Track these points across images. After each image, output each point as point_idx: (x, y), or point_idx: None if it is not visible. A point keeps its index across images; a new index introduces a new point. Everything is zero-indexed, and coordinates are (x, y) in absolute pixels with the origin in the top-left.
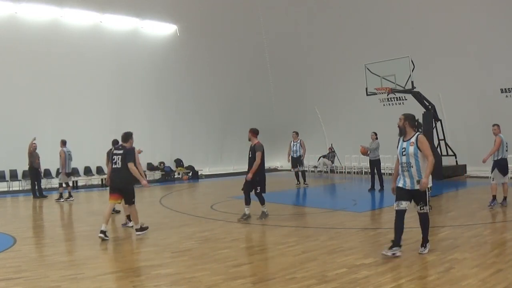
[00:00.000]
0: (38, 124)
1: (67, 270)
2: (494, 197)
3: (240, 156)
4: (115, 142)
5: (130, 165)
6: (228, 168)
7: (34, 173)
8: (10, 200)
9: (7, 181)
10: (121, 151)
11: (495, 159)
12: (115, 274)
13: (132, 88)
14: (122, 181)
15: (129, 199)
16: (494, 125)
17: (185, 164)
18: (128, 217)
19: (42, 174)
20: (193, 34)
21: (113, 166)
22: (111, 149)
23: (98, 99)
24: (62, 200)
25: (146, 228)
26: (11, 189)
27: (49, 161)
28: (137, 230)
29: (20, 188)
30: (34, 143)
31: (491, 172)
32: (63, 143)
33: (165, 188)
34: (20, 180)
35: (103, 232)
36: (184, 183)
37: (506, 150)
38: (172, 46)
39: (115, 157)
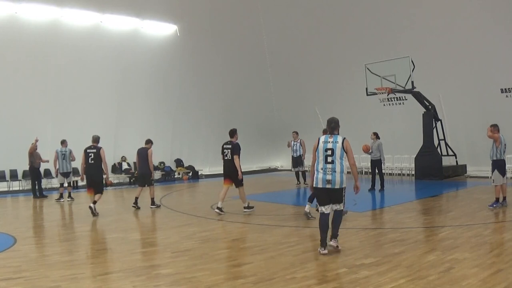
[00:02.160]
0: (38, 124)
1: (67, 270)
2: (498, 200)
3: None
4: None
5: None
6: None
7: (35, 173)
8: (10, 200)
9: (7, 181)
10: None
11: (494, 159)
12: (115, 274)
13: (132, 88)
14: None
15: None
16: (491, 125)
17: (185, 164)
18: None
19: (42, 174)
20: (193, 34)
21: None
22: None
23: (98, 99)
24: (62, 200)
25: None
26: (11, 189)
27: (49, 161)
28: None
29: (20, 188)
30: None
31: (491, 173)
32: (61, 143)
33: (165, 188)
34: (20, 180)
35: (219, 208)
36: (184, 183)
37: (504, 151)
38: (172, 46)
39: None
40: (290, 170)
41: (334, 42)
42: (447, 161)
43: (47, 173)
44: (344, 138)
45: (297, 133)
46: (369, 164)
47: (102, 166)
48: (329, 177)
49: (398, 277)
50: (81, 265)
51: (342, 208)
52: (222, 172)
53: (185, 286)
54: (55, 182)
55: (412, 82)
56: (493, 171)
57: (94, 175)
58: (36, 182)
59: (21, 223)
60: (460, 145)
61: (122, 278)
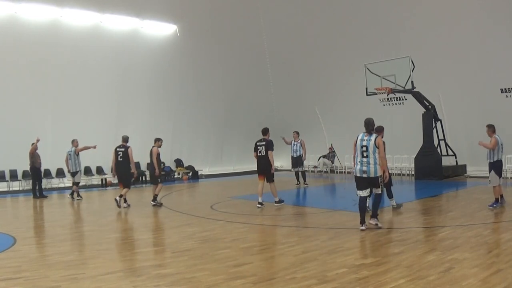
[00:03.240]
0: (38, 124)
1: (67, 270)
2: (497, 200)
3: (240, 156)
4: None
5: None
6: (228, 168)
7: (36, 173)
8: (10, 200)
9: (7, 181)
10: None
11: (492, 161)
12: (115, 274)
13: (132, 88)
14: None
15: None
16: (488, 125)
17: (185, 164)
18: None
19: (43, 174)
20: (193, 34)
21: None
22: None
23: (98, 99)
24: (79, 198)
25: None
26: (11, 189)
27: (49, 161)
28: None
29: (20, 188)
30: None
31: (489, 175)
32: (71, 142)
33: (165, 188)
34: (20, 180)
35: (260, 203)
36: (184, 183)
37: (502, 151)
38: (172, 46)
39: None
40: (290, 170)
41: (334, 42)
42: (447, 161)
43: (47, 173)
44: (377, 136)
45: (297, 133)
46: None
47: (130, 163)
48: (364, 168)
49: (398, 277)
50: (81, 265)
51: (380, 192)
52: (222, 172)
53: (185, 286)
54: (55, 182)
55: (412, 82)
56: (490, 172)
57: (123, 172)
58: (36, 182)
59: (21, 223)
60: (460, 145)
61: (122, 278)
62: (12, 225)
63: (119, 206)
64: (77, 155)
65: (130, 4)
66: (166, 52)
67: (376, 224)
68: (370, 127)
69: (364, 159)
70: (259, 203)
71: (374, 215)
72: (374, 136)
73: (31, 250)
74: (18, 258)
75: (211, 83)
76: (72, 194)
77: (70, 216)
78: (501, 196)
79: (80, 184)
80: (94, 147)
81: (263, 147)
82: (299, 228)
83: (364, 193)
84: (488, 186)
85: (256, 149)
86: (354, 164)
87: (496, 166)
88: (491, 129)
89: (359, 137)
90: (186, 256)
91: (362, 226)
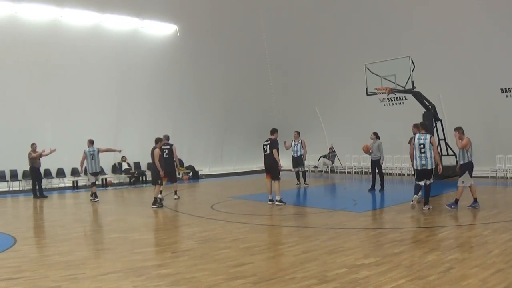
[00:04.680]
0: (38, 124)
1: (67, 270)
2: (457, 201)
3: (240, 156)
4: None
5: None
6: (228, 168)
7: (35, 173)
8: (10, 200)
9: (7, 181)
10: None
11: (465, 162)
12: (115, 274)
13: (132, 88)
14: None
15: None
16: (456, 129)
17: (185, 164)
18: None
19: (42, 174)
20: (193, 34)
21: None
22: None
23: (98, 99)
24: (97, 199)
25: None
26: (11, 189)
27: (49, 161)
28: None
29: (20, 188)
30: (36, 146)
31: (461, 176)
32: (90, 142)
33: (165, 188)
34: (20, 180)
35: (270, 200)
36: (184, 183)
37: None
38: (172, 46)
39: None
40: (290, 170)
41: (335, 42)
42: (447, 161)
43: (47, 173)
44: (431, 136)
45: (298, 133)
46: (369, 164)
47: (174, 159)
48: (423, 162)
49: (398, 277)
50: (81, 265)
51: (431, 182)
52: (222, 172)
53: (185, 286)
54: (55, 182)
55: (412, 82)
56: (463, 173)
57: (169, 167)
58: (36, 183)
59: (21, 223)
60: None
61: (122, 278)
62: (12, 225)
63: (177, 197)
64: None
65: (130, 4)
66: (166, 52)
67: (429, 208)
68: (426, 128)
69: (422, 155)
70: (270, 200)
71: (426, 202)
72: (429, 136)
73: (31, 250)
74: (18, 258)
75: (211, 83)
76: (93, 195)
77: (70, 216)
78: (457, 200)
79: (80, 184)
80: (120, 151)
81: (268, 145)
82: (299, 228)
83: (421, 183)
84: (489, 186)
85: (263, 149)
86: (413, 160)
87: (470, 167)
88: (460, 131)
89: (417, 137)
90: (186, 256)
91: (412, 202)
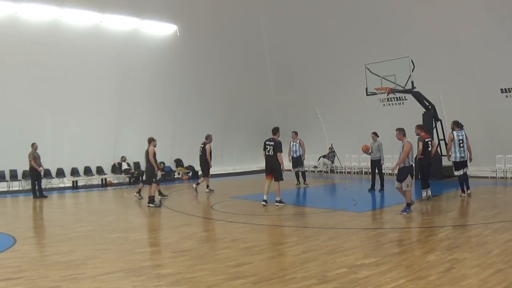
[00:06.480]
0: (38, 124)
1: (67, 270)
2: (409, 205)
3: (240, 156)
4: None
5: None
6: (228, 168)
7: (35, 173)
8: (10, 200)
9: (7, 181)
10: None
11: (405, 165)
12: (115, 274)
13: (132, 88)
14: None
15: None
16: (397, 129)
17: (185, 164)
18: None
19: (42, 174)
20: (193, 34)
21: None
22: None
23: (98, 99)
24: (140, 197)
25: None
26: (11, 189)
27: (50, 161)
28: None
29: (20, 188)
30: (36, 146)
31: (403, 181)
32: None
33: (165, 188)
34: (20, 180)
35: (264, 200)
36: (184, 183)
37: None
38: (172, 46)
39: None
40: (290, 170)
41: (334, 42)
42: (447, 161)
43: (47, 173)
44: (465, 132)
45: (296, 133)
46: (369, 164)
47: (207, 157)
48: (463, 154)
49: (398, 277)
50: (81, 265)
51: (468, 170)
52: (222, 172)
53: (185, 286)
54: (55, 182)
55: (412, 82)
56: (405, 177)
57: (202, 164)
58: (36, 182)
59: (21, 223)
60: None
61: (122, 278)
62: (12, 225)
63: (211, 191)
64: None
65: (130, 4)
66: (166, 52)
67: (469, 193)
68: (460, 126)
69: (462, 149)
70: (264, 201)
71: (467, 188)
72: (464, 132)
73: (31, 250)
74: (18, 258)
75: (211, 83)
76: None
77: (70, 216)
78: (408, 204)
79: (80, 184)
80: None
81: (272, 147)
82: (299, 228)
83: (460, 172)
84: (489, 186)
85: (265, 148)
86: (452, 153)
87: (412, 170)
88: (402, 132)
89: (455, 134)
90: (186, 256)
91: (462, 194)
